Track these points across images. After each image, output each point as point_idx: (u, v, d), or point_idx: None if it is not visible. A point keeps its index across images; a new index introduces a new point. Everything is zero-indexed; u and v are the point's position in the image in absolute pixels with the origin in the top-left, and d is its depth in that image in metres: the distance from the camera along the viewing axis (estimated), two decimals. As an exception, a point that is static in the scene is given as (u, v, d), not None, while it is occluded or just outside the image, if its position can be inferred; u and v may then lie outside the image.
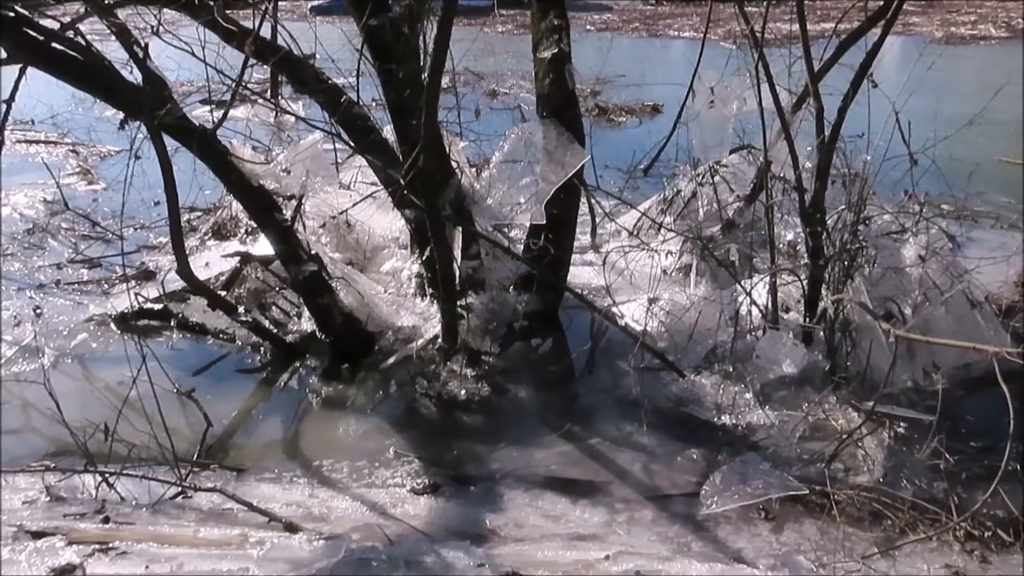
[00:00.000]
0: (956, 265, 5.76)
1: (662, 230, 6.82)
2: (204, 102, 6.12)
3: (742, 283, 5.75)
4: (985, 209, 8.38)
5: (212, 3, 5.26)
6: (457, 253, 6.01)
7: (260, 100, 9.09)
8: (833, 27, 5.97)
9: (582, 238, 7.45)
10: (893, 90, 5.81)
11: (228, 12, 5.43)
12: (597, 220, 7.90)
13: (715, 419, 5.11)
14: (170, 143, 5.26)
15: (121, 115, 5.39)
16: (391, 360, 5.80)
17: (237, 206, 7.28)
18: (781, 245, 6.32)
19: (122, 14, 5.38)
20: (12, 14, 4.87)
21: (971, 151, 7.59)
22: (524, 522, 4.24)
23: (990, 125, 7.07)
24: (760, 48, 5.50)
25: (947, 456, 4.24)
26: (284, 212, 5.81)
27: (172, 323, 6.26)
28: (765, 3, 5.81)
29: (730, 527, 4.17)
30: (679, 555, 3.93)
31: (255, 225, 6.35)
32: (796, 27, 5.41)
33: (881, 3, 5.47)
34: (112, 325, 6.44)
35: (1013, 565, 3.85)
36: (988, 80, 10.01)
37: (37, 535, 3.95)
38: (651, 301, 5.96)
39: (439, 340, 5.75)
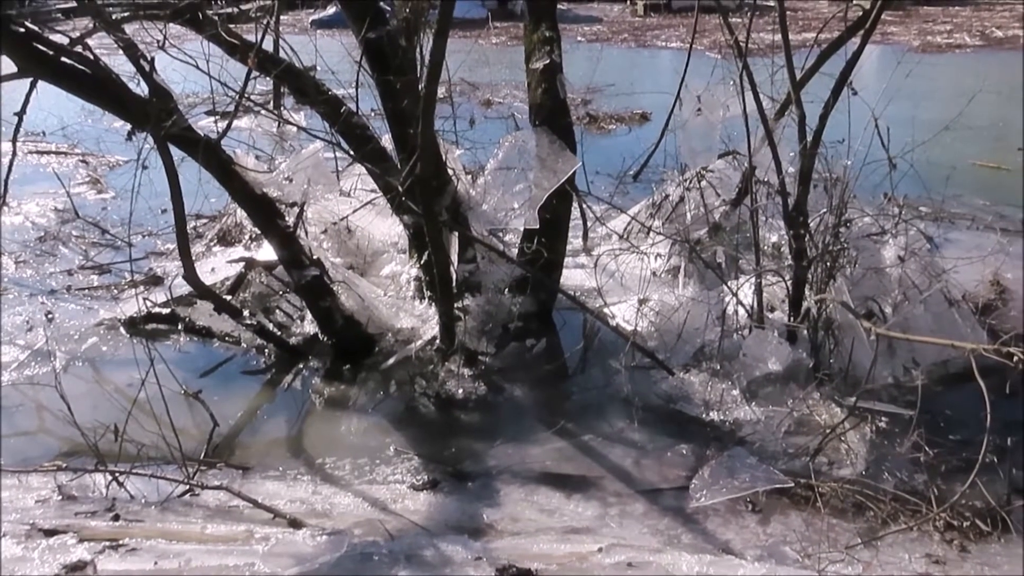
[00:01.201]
0: (934, 265, 5.76)
1: (651, 233, 6.82)
2: (209, 113, 6.08)
3: (728, 284, 5.75)
4: (961, 211, 8.39)
5: (216, 18, 5.26)
6: (454, 257, 6.00)
7: (263, 111, 9.06)
8: (814, 37, 5.98)
9: (574, 241, 7.45)
10: (872, 97, 5.83)
11: (231, 26, 5.43)
12: (589, 224, 7.89)
13: (703, 415, 5.11)
14: (176, 153, 5.25)
15: (129, 126, 5.37)
16: (391, 361, 5.79)
17: (241, 213, 7.26)
18: (766, 247, 6.33)
19: (129, 29, 5.37)
20: (23, 30, 4.87)
21: (947, 155, 7.63)
22: (520, 516, 4.23)
23: (965, 130, 7.10)
24: (744, 58, 5.51)
25: (927, 449, 4.25)
26: (287, 219, 5.80)
27: (179, 327, 6.25)
28: (749, 14, 5.82)
29: (718, 519, 4.17)
30: (669, 547, 3.92)
31: (259, 231, 6.34)
32: (779, 37, 5.42)
33: (860, 14, 5.48)
34: (121, 329, 6.43)
35: (991, 554, 3.84)
36: (963, 87, 10.02)
37: (49, 533, 3.93)
38: (641, 302, 5.96)
39: (437, 341, 5.74)
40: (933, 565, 3.77)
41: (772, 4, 5.51)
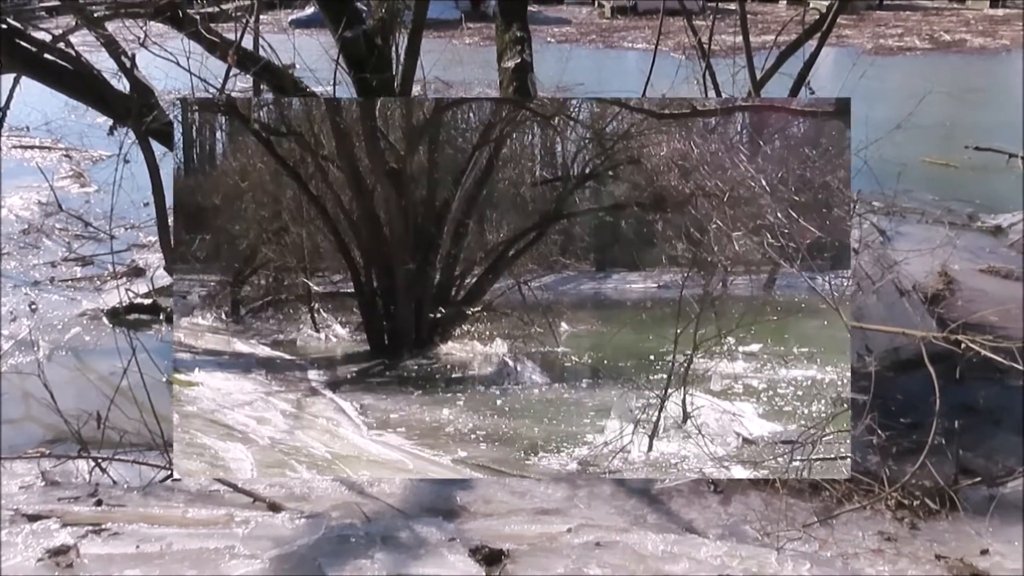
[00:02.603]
0: (886, 257, 5.81)
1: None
2: (190, 109, 6.03)
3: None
4: (912, 206, 8.47)
5: (196, 17, 5.19)
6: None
7: (243, 107, 8.95)
8: (774, 39, 5.99)
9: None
10: (829, 96, 5.85)
11: (211, 25, 5.35)
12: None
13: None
14: (158, 148, 5.17)
15: (111, 121, 5.29)
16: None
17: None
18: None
19: (111, 27, 5.28)
20: (6, 27, 4.77)
21: (899, 153, 7.67)
22: (492, 498, 4.22)
23: (916, 129, 7.13)
24: (707, 58, 5.52)
25: (879, 432, 4.27)
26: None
27: (161, 317, 6.17)
28: (711, 17, 5.83)
29: (682, 500, 4.18)
30: (636, 527, 3.93)
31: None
32: (740, 39, 5.43)
33: (817, 17, 5.51)
34: (104, 319, 6.34)
35: (940, 531, 3.88)
36: (914, 88, 10.13)
37: (33, 518, 3.86)
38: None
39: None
40: (885, 542, 3.80)
41: (733, 7, 5.52)
